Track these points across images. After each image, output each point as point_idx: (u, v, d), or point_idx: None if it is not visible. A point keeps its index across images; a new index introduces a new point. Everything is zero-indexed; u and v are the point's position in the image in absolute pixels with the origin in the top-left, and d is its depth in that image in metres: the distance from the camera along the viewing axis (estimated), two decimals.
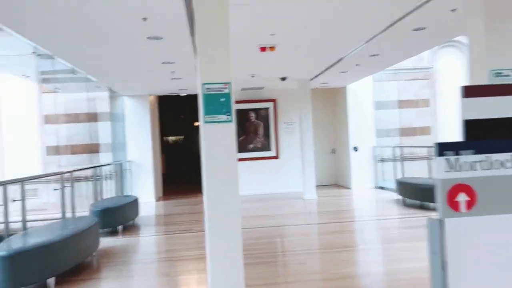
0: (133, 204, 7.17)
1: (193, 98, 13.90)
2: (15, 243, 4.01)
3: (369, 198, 9.35)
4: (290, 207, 8.41)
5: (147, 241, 6.26)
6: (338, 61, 7.40)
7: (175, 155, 18.20)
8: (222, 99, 3.41)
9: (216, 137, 3.46)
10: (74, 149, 10.27)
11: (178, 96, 13.21)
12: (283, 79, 8.81)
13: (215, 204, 3.51)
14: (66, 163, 10.19)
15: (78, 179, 9.53)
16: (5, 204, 4.46)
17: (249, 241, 5.50)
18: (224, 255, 3.44)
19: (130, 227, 6.98)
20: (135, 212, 7.33)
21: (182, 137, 19.99)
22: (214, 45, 3.49)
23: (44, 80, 9.46)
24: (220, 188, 3.52)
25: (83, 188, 9.20)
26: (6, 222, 4.50)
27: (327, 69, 8.12)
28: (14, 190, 5.60)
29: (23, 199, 4.65)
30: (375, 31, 5.55)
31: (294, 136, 10.57)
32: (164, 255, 5.38)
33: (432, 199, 6.75)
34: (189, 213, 8.27)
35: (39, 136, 10.13)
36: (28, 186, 10.13)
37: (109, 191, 9.72)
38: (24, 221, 4.83)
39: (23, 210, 4.67)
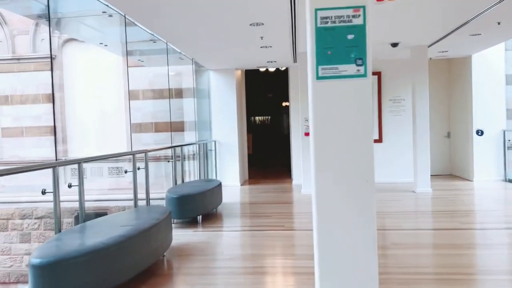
0: (216, 190, 6.15)
1: (282, 74, 12.67)
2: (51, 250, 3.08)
3: (501, 194, 7.37)
4: (399, 203, 6.82)
5: (229, 238, 5.16)
6: (474, 17, 5.57)
7: (262, 136, 17.20)
8: (351, 36, 2.02)
9: (338, 105, 2.13)
10: (158, 127, 9.62)
11: (266, 73, 12.04)
12: (394, 45, 7.12)
13: (334, 207, 2.24)
14: (150, 141, 9.59)
15: (159, 159, 8.86)
16: (80, 183, 3.64)
17: None
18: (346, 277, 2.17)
19: (212, 217, 5.98)
20: (218, 199, 6.32)
21: (269, 117, 18.92)
22: None
23: (126, 52, 8.81)
24: (342, 183, 2.24)
25: (167, 169, 8.51)
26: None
27: (455, 30, 6.29)
28: (92, 168, 4.95)
29: (80, 183, 3.72)
30: None
31: (402, 116, 8.82)
32: (251, 263, 4.18)
33: None
34: (278, 202, 7.09)
35: (124, 112, 9.62)
36: (111, 164, 9.74)
37: (192, 172, 8.92)
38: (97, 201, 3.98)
39: (81, 195, 3.75)
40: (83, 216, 3.70)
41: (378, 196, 7.24)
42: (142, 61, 9.12)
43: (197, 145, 7.99)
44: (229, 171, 9.26)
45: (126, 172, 5.66)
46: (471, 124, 8.64)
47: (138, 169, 5.09)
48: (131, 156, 5.03)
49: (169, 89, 9.57)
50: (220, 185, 6.48)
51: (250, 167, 10.98)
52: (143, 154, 5.29)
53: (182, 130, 9.44)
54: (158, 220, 3.80)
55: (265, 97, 15.92)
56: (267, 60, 8.37)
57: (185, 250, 4.45)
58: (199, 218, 5.64)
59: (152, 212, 4.20)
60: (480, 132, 8.58)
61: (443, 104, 9.50)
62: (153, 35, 6.35)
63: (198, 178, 7.95)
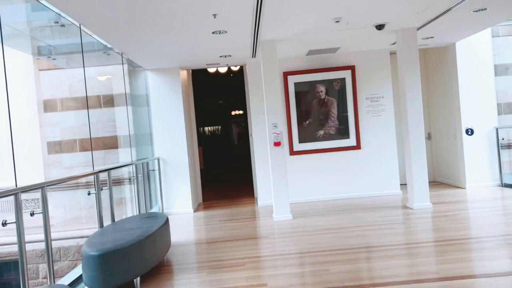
0: (162, 232, 4.23)
1: (234, 77, 10.88)
2: None
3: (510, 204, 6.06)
4: (395, 226, 5.26)
5: None
6: None
7: (213, 148, 15.31)
8: None
9: None
10: (84, 145, 7.50)
11: (216, 75, 10.23)
12: (380, 27, 5.61)
13: None
14: (74, 163, 7.43)
15: (89, 185, 6.78)
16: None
17: None
18: None
19: (156, 276, 4.05)
20: (165, 245, 4.40)
21: (219, 127, 17.07)
22: None
23: (36, 50, 6.66)
24: None
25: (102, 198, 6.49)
26: None
27: (459, 3, 4.88)
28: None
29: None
30: None
31: (382, 117, 7.36)
32: None
33: None
34: (247, 237, 5.27)
35: (38, 128, 7.40)
36: (26, 196, 7.46)
37: (129, 202, 6.92)
38: None
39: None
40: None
41: (369, 217, 5.64)
42: (54, 59, 6.97)
43: (134, 166, 5.99)
44: (179, 195, 7.32)
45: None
46: (459, 123, 7.35)
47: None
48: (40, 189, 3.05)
49: (98, 95, 7.51)
50: (167, 222, 4.56)
51: (204, 185, 9.09)
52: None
53: (115, 146, 7.40)
54: None
55: (215, 103, 14.08)
56: (220, 54, 6.57)
57: None
58: (137, 282, 3.70)
59: None
60: (470, 131, 7.32)
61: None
62: (59, 15, 4.36)
63: (137, 211, 5.93)
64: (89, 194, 4.68)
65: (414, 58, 5.95)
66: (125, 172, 7.05)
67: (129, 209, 7.14)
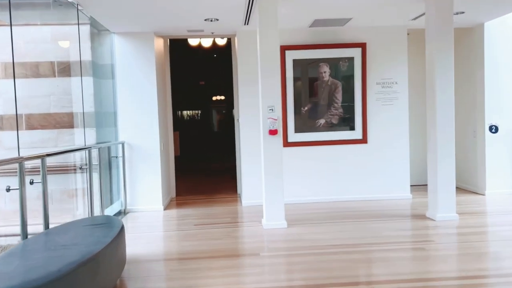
0: (111, 251, 2.91)
1: (221, 57, 9.51)
2: None
3: None
4: (423, 246, 4.10)
5: None
6: None
7: (191, 134, 13.93)
8: None
9: None
10: (33, 121, 6.05)
11: (199, 49, 8.84)
12: None
13: None
14: (17, 144, 5.98)
15: (33, 171, 5.38)
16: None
17: None
18: None
19: None
20: (116, 267, 3.10)
21: (199, 111, 15.66)
22: None
23: None
24: None
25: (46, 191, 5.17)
26: None
27: None
28: None
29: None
30: None
31: (394, 107, 6.18)
32: None
33: None
34: (233, 254, 4.00)
35: None
36: None
37: (80, 196, 5.60)
38: None
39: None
40: None
41: (383, 230, 4.45)
42: None
43: (86, 151, 4.60)
44: (146, 188, 5.99)
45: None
46: (482, 118, 6.25)
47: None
48: None
49: (52, 62, 6.08)
50: (121, 233, 3.25)
51: (179, 175, 7.77)
52: None
53: (71, 125, 5.99)
54: None
55: (196, 84, 12.67)
56: (205, 17, 5.22)
57: None
58: None
59: None
60: (494, 129, 6.23)
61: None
62: None
63: (89, 210, 4.55)
64: (31, 183, 3.36)
65: (448, 35, 4.76)
66: (83, 159, 5.67)
67: (82, 207, 5.77)
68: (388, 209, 5.53)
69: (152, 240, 4.51)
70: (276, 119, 4.66)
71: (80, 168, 4.84)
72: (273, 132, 4.67)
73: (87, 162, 4.47)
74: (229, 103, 14.33)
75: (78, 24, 5.14)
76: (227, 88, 7.58)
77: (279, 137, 4.73)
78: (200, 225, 5.04)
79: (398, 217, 5.09)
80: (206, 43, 8.11)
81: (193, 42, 7.94)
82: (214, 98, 15.58)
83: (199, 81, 12.55)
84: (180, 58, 9.57)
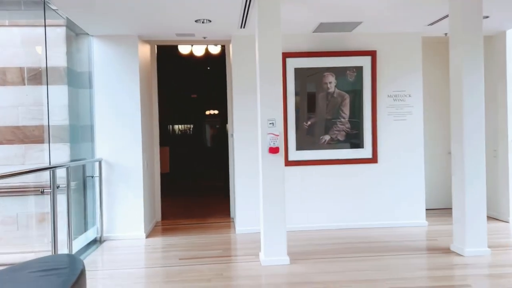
0: None
1: (213, 70, 8.85)
2: None
3: None
4: None
5: None
6: None
7: (182, 149, 13.17)
8: None
9: None
10: None
11: (190, 57, 8.14)
12: None
13: None
14: None
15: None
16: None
17: None
18: None
19: None
20: None
21: (191, 125, 14.91)
22: None
23: None
24: None
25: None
26: None
27: None
28: None
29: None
30: None
31: (407, 122, 5.48)
32: None
33: None
34: None
35: None
36: None
37: (47, 223, 4.81)
38: None
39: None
40: None
41: (405, 270, 3.68)
42: None
43: (50, 172, 3.81)
44: (126, 213, 5.19)
45: None
46: (505, 135, 5.58)
47: None
48: None
49: (21, 68, 5.36)
50: (78, 282, 2.46)
51: (166, 193, 6.97)
52: None
53: (41, 140, 5.21)
54: None
55: (188, 98, 11.95)
56: (195, 18, 4.52)
57: None
58: None
59: None
60: None
61: (445, 105, 6.35)
62: None
63: (52, 246, 3.74)
64: None
65: (476, 39, 4.10)
66: (60, 178, 4.88)
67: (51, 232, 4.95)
68: (404, 240, 4.78)
69: (126, 281, 3.70)
70: (277, 135, 3.93)
71: (42, 192, 4.04)
72: (274, 150, 3.94)
73: (51, 185, 3.69)
74: (223, 118, 13.64)
75: (45, 24, 4.42)
76: (221, 101, 6.88)
77: (280, 156, 3.99)
78: (187, 260, 4.24)
79: (418, 251, 4.34)
80: (198, 51, 7.42)
81: (184, 50, 7.25)
82: (207, 112, 14.88)
83: (191, 94, 11.83)
84: (170, 68, 8.87)
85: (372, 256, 4.16)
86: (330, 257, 4.17)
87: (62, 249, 4.12)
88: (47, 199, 5.34)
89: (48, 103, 4.66)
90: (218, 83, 7.94)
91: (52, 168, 3.71)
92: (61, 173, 4.77)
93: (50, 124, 5.19)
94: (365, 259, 4.10)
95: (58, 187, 3.94)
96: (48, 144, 5.24)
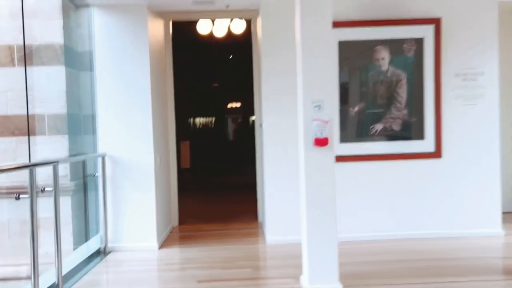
0: None
1: (236, 47, 7.91)
2: None
3: None
4: None
5: None
6: None
7: (203, 143, 12.29)
8: None
9: None
10: None
11: (209, 39, 7.18)
12: None
13: None
14: None
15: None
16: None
17: None
18: None
19: None
20: None
21: (213, 118, 14.00)
22: None
23: None
24: None
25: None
26: None
27: None
28: None
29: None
30: None
31: (479, 107, 4.36)
32: None
33: None
34: None
35: None
36: None
37: (49, 229, 3.88)
38: None
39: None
40: None
41: None
42: None
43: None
44: (135, 218, 4.28)
45: None
46: None
47: None
48: None
49: (10, 46, 4.51)
50: None
51: (186, 190, 6.05)
52: None
53: (33, 132, 4.36)
54: None
55: (209, 87, 11.01)
56: None
57: None
58: None
59: None
60: None
61: None
62: None
63: (31, 268, 2.85)
64: None
65: None
66: (44, 179, 4.02)
67: (49, 243, 4.10)
68: (481, 257, 3.72)
69: None
70: (327, 122, 2.92)
71: (17, 198, 3.16)
72: (321, 142, 2.93)
73: (29, 189, 2.79)
74: (246, 111, 12.71)
75: None
76: (244, 92, 5.93)
77: (330, 150, 2.98)
78: (206, 282, 3.29)
79: (505, 275, 3.27)
80: (220, 31, 6.46)
81: (203, 29, 6.30)
82: (229, 105, 13.99)
83: (212, 82, 10.88)
84: (188, 52, 7.96)
85: (448, 283, 3.11)
86: (392, 284, 3.14)
87: (50, 269, 3.24)
88: (46, 202, 4.51)
89: (27, 87, 3.77)
90: (241, 72, 7.02)
91: (31, 167, 2.80)
92: (61, 171, 3.91)
93: (47, 113, 4.35)
94: (439, 286, 3.05)
95: (43, 190, 3.06)
96: (43, 136, 4.39)
